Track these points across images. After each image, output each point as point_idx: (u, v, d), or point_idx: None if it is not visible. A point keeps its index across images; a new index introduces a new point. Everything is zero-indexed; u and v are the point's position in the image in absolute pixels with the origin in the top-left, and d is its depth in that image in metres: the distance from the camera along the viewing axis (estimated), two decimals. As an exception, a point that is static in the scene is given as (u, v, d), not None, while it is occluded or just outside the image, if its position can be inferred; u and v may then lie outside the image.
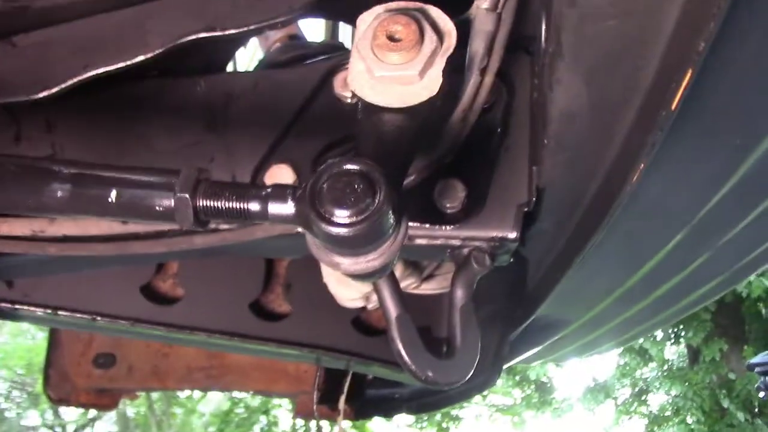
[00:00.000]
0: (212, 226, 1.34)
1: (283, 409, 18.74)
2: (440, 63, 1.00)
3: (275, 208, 0.95)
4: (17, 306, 2.09)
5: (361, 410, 3.26)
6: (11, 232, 1.45)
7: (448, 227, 1.37)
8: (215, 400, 20.12)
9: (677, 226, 1.63)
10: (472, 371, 1.27)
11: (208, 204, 0.96)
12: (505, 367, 2.57)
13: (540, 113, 1.29)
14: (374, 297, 1.80)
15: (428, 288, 1.90)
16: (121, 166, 1.02)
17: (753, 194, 1.52)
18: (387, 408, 3.40)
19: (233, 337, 2.21)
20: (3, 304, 2.08)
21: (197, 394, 18.73)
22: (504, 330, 2.11)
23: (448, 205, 1.36)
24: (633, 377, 16.65)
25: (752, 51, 1.10)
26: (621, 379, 16.85)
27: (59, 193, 0.99)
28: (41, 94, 1.29)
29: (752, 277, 10.24)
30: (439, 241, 1.38)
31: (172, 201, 0.96)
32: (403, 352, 1.24)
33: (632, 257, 1.84)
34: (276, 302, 2.36)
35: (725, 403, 13.18)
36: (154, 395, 18.13)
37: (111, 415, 19.48)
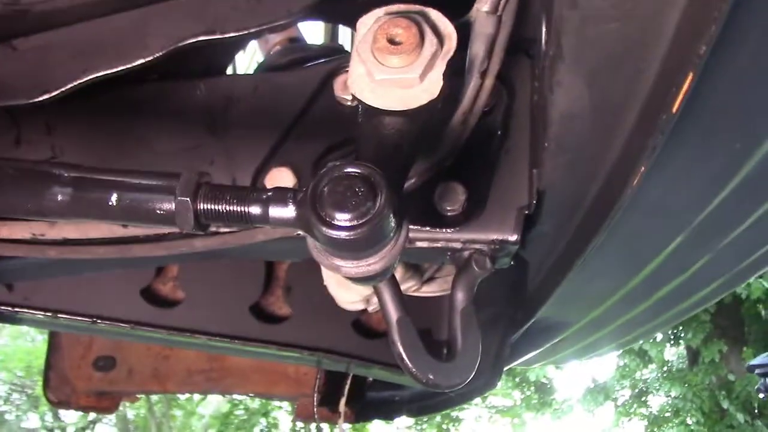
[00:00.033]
0: (213, 229, 1.34)
1: (282, 411, 18.76)
2: (441, 66, 1.00)
3: (276, 211, 0.95)
4: (17, 309, 2.08)
5: (361, 413, 3.25)
6: (11, 235, 1.45)
7: (448, 230, 1.36)
8: (215, 402, 20.13)
9: (678, 229, 1.63)
10: (473, 374, 1.27)
11: (209, 207, 0.96)
12: (505, 369, 2.56)
13: (540, 116, 1.29)
14: (375, 299, 1.79)
15: (429, 291, 1.90)
16: (121, 170, 1.02)
17: (754, 196, 1.52)
18: (387, 410, 3.39)
19: (233, 340, 2.21)
20: (3, 308, 2.08)
21: (197, 396, 18.72)
22: (505, 332, 2.10)
23: (448, 208, 1.36)
24: (633, 378, 16.66)
25: (752, 51, 1.10)
26: (621, 381, 16.86)
27: (60, 197, 0.99)
28: (41, 98, 1.29)
29: (751, 279, 10.24)
30: (439, 244, 1.38)
31: (173, 204, 0.96)
32: (404, 355, 1.24)
33: (633, 259, 1.84)
34: (276, 305, 2.36)
35: (725, 405, 13.19)
36: (154, 397, 18.12)
37: (111, 418, 19.47)
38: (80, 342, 2.97)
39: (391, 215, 0.90)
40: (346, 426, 3.21)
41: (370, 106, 1.00)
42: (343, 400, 2.91)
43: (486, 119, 1.36)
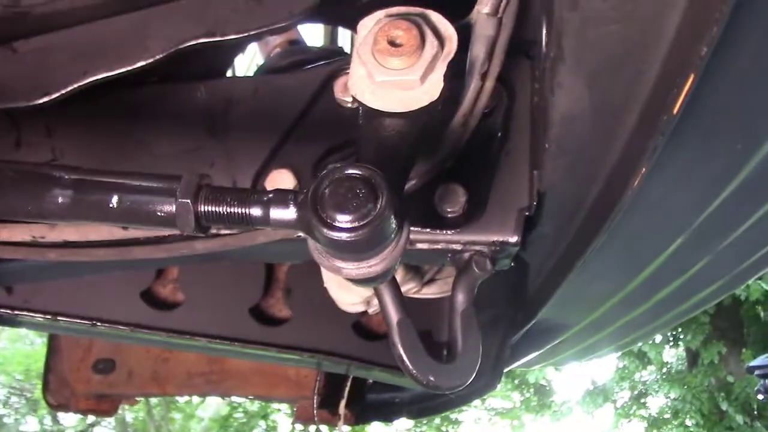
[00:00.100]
0: (213, 231, 1.34)
1: (282, 413, 18.74)
2: (441, 68, 1.00)
3: (277, 213, 0.95)
4: (17, 312, 2.08)
5: (361, 415, 3.25)
6: (11, 237, 1.45)
7: (449, 231, 1.37)
8: (214, 405, 20.12)
9: (678, 230, 1.63)
10: (474, 375, 1.27)
11: (210, 209, 0.96)
12: (505, 370, 2.56)
13: (541, 117, 1.29)
14: (375, 301, 1.80)
15: (429, 292, 1.90)
16: (122, 172, 1.02)
17: (754, 197, 1.52)
18: (387, 412, 3.39)
19: (233, 342, 2.21)
20: (3, 311, 2.08)
21: (196, 399, 18.71)
22: (505, 334, 2.10)
23: (449, 210, 1.36)
24: (632, 380, 16.66)
25: (753, 52, 1.10)
26: (620, 383, 16.86)
27: (60, 199, 0.99)
28: (41, 100, 1.29)
29: (750, 281, 10.25)
30: (440, 246, 1.38)
31: (174, 206, 0.96)
32: (405, 357, 1.24)
33: (633, 261, 1.84)
34: (276, 307, 2.36)
35: (724, 406, 13.19)
36: (153, 400, 18.10)
37: (110, 421, 19.46)
38: (80, 345, 2.96)
39: (392, 217, 0.90)
40: (346, 428, 3.21)
41: (370, 107, 1.00)
42: (343, 403, 2.91)
43: (486, 121, 1.36)
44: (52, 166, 1.33)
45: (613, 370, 16.81)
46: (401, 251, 0.97)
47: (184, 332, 2.18)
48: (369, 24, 1.02)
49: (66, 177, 1.00)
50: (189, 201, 0.95)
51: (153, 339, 2.23)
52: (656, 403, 16.53)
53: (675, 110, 1.01)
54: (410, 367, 1.24)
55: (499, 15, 1.22)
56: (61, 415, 19.12)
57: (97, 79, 1.28)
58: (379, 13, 1.03)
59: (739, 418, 12.98)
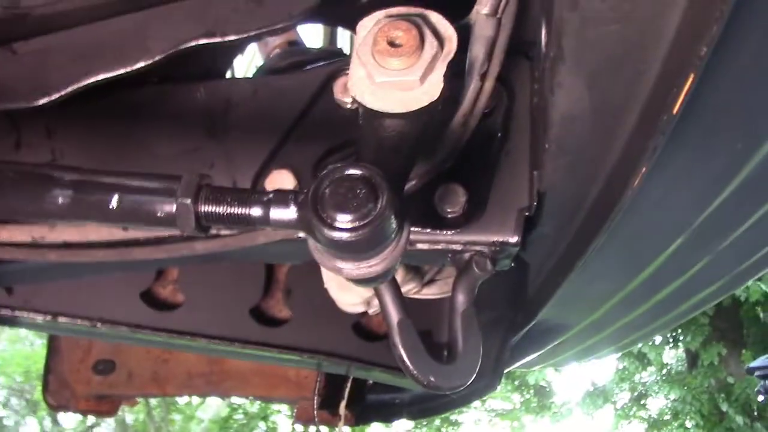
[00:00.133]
0: (213, 231, 1.34)
1: (282, 415, 18.73)
2: (441, 68, 1.00)
3: (277, 213, 0.95)
4: (17, 313, 2.08)
5: (361, 416, 3.25)
6: (11, 238, 1.45)
7: (449, 232, 1.37)
8: (214, 407, 20.11)
9: (678, 230, 1.62)
10: (474, 376, 1.27)
11: (210, 210, 0.96)
12: (505, 371, 2.56)
13: (541, 117, 1.29)
14: (375, 302, 1.80)
15: (429, 293, 1.90)
16: (122, 172, 1.02)
17: (754, 197, 1.51)
18: (388, 413, 3.39)
19: (233, 343, 2.21)
20: (3, 311, 2.08)
21: (196, 400, 18.73)
22: (505, 334, 2.10)
23: (449, 210, 1.36)
24: (632, 381, 16.66)
25: (753, 51, 1.10)
26: (620, 384, 16.86)
27: (60, 200, 0.99)
28: (41, 101, 1.29)
29: (750, 281, 10.25)
30: (440, 246, 1.38)
31: (174, 207, 0.96)
32: (405, 357, 1.24)
33: (633, 261, 1.84)
34: (276, 308, 2.36)
35: (724, 407, 13.18)
36: (153, 401, 18.11)
37: (110, 422, 19.45)
38: (80, 345, 2.96)
39: (393, 216, 0.91)
40: (346, 429, 3.22)
41: (370, 108, 1.00)
42: (343, 403, 2.91)
43: (486, 121, 1.36)
44: (52, 166, 1.33)
45: (613, 372, 16.82)
46: (402, 251, 0.97)
47: (184, 333, 2.18)
48: (368, 24, 1.02)
49: (66, 177, 1.00)
50: (189, 201, 0.95)
51: (153, 340, 2.23)
52: (656, 404, 16.54)
53: (675, 110, 1.01)
54: (411, 367, 1.24)
55: (499, 15, 1.22)
56: (61, 417, 19.17)
57: (97, 80, 1.29)
58: (379, 14, 1.03)
59: (739, 419, 12.97)
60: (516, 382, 18.71)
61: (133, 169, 1.03)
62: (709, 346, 13.38)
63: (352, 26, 1.12)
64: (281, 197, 0.96)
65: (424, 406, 3.29)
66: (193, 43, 1.27)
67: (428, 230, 1.36)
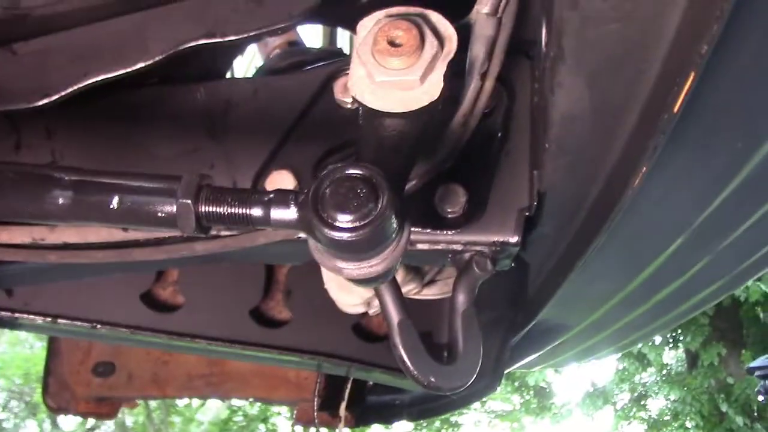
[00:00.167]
0: (213, 232, 1.34)
1: (281, 417, 18.72)
2: (441, 68, 0.99)
3: (278, 213, 0.95)
4: (17, 315, 2.08)
5: (361, 417, 3.25)
6: (11, 240, 1.45)
7: (449, 232, 1.37)
8: (214, 409, 20.10)
9: (678, 230, 1.62)
10: (475, 376, 1.27)
11: (211, 210, 0.96)
12: (505, 371, 2.56)
13: (541, 117, 1.29)
14: (375, 302, 1.80)
15: (430, 293, 1.89)
16: (122, 173, 1.02)
17: (754, 197, 1.51)
18: (388, 414, 3.39)
19: (233, 344, 2.21)
20: (3, 313, 2.08)
21: (196, 402, 18.73)
22: (505, 335, 2.10)
23: (449, 210, 1.36)
24: (632, 382, 16.66)
25: (753, 51, 1.10)
26: (620, 384, 16.87)
27: (61, 200, 0.99)
28: (41, 102, 1.29)
29: (750, 282, 10.26)
30: (440, 246, 1.38)
31: (174, 207, 0.96)
32: (406, 358, 1.24)
33: (633, 261, 1.84)
34: (276, 309, 2.36)
35: (724, 408, 13.18)
36: (153, 404, 18.10)
37: (110, 424, 19.45)
38: (79, 347, 2.96)
39: (393, 216, 0.90)
40: (346, 430, 3.21)
41: (370, 108, 1.00)
42: (343, 405, 2.90)
43: (486, 121, 1.36)
44: (53, 167, 1.33)
45: (613, 372, 16.83)
46: (402, 251, 0.97)
47: (184, 334, 2.18)
48: (368, 24, 1.02)
49: (66, 178, 1.00)
50: (190, 201, 0.95)
51: (153, 341, 2.23)
52: (656, 404, 16.54)
53: (675, 109, 1.01)
54: (411, 368, 1.24)
55: (499, 15, 1.22)
56: (61, 419, 19.15)
57: (97, 81, 1.28)
58: (379, 14, 1.03)
59: (739, 420, 12.97)
60: (516, 383, 18.71)
61: (133, 170, 1.03)
62: (709, 346, 13.38)
63: (352, 26, 1.12)
64: (281, 197, 0.96)
65: (424, 408, 3.29)
66: (193, 44, 1.26)
67: (428, 230, 1.36)
